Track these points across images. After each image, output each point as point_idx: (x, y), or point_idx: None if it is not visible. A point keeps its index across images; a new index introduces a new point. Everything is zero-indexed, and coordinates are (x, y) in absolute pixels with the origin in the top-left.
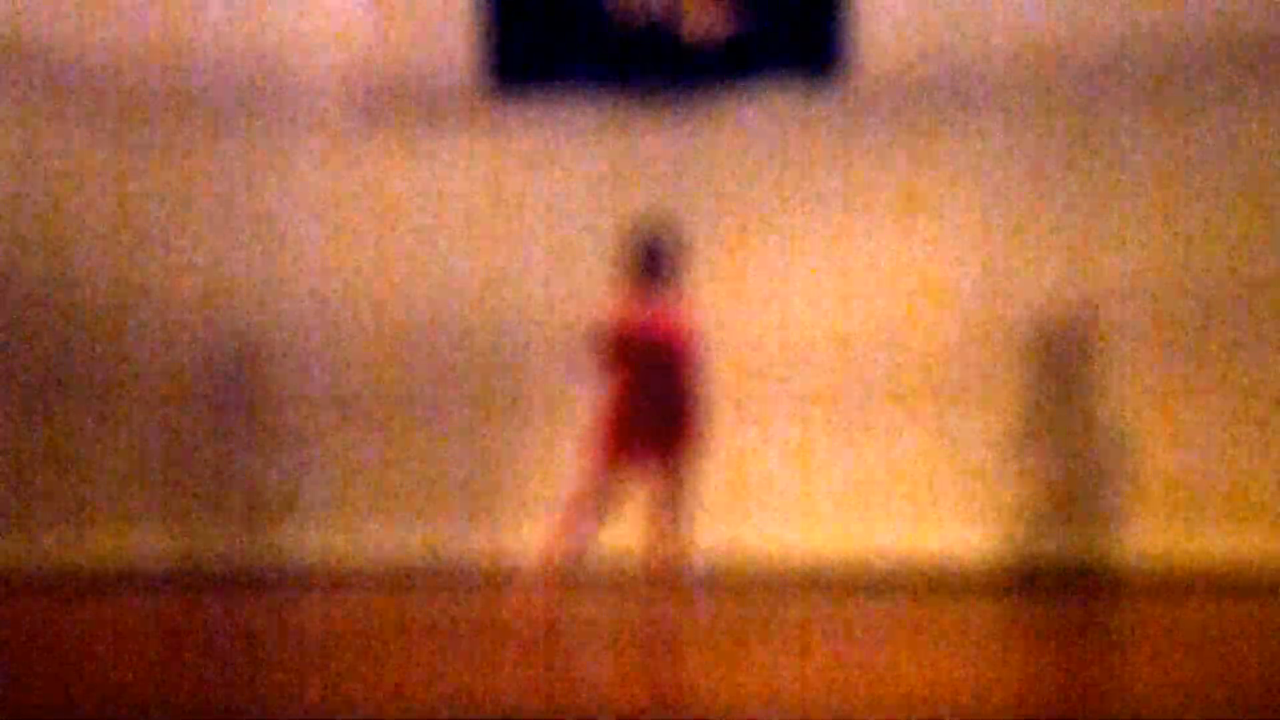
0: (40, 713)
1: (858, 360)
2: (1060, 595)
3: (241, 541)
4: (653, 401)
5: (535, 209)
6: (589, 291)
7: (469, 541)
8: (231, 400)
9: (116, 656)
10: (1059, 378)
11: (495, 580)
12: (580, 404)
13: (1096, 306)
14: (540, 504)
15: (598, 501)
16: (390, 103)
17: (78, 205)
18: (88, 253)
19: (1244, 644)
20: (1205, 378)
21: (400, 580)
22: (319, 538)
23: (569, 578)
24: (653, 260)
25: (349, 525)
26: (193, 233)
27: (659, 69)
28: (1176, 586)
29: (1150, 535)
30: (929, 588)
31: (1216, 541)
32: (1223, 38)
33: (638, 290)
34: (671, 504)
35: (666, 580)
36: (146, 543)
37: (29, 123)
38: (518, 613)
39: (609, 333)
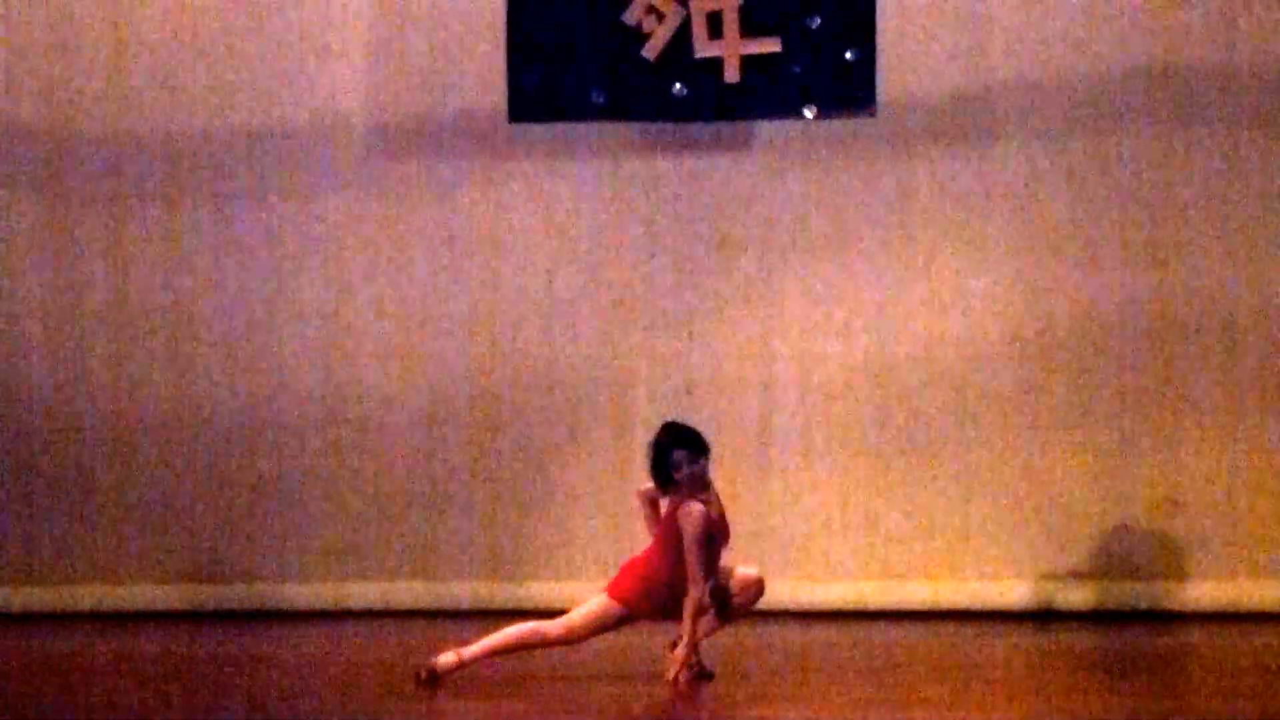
0: None
1: (886, 391)
2: (1104, 632)
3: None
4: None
5: (562, 244)
6: (624, 326)
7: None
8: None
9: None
10: (1097, 402)
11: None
12: (588, 446)
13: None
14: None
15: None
16: (411, 139)
17: (96, 269)
18: (104, 312)
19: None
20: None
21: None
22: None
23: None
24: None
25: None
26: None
27: (683, 99)
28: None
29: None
30: (962, 626)
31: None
32: (1229, 67)
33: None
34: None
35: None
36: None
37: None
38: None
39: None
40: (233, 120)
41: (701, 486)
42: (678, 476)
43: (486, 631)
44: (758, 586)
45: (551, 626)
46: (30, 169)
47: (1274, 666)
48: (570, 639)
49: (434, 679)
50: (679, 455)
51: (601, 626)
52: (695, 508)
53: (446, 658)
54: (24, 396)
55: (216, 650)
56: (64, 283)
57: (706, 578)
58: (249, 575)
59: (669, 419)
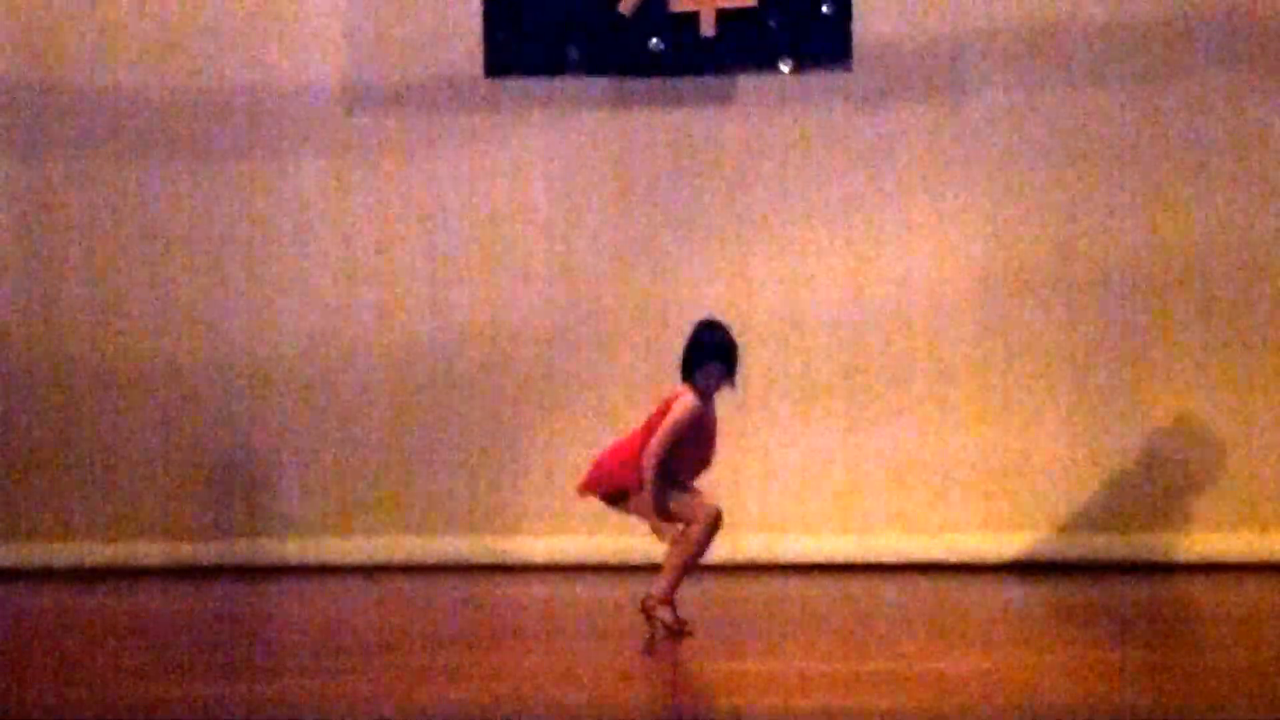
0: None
1: (861, 342)
2: (1081, 584)
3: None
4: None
5: (541, 199)
6: (601, 281)
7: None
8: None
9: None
10: (1071, 351)
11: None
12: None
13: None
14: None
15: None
16: (390, 96)
17: (74, 223)
18: (82, 270)
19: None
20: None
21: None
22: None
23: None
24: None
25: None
26: (193, 249)
27: (659, 54)
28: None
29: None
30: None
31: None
32: (1216, 22)
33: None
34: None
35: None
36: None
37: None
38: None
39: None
40: (209, 77)
41: (709, 398)
42: (702, 383)
43: (469, 585)
44: (717, 517)
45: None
46: (5, 123)
47: (1247, 617)
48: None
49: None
50: (715, 368)
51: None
52: (691, 399)
53: (664, 613)
54: (1, 351)
55: (197, 606)
56: (40, 239)
57: (658, 467)
58: (231, 532)
59: (718, 320)
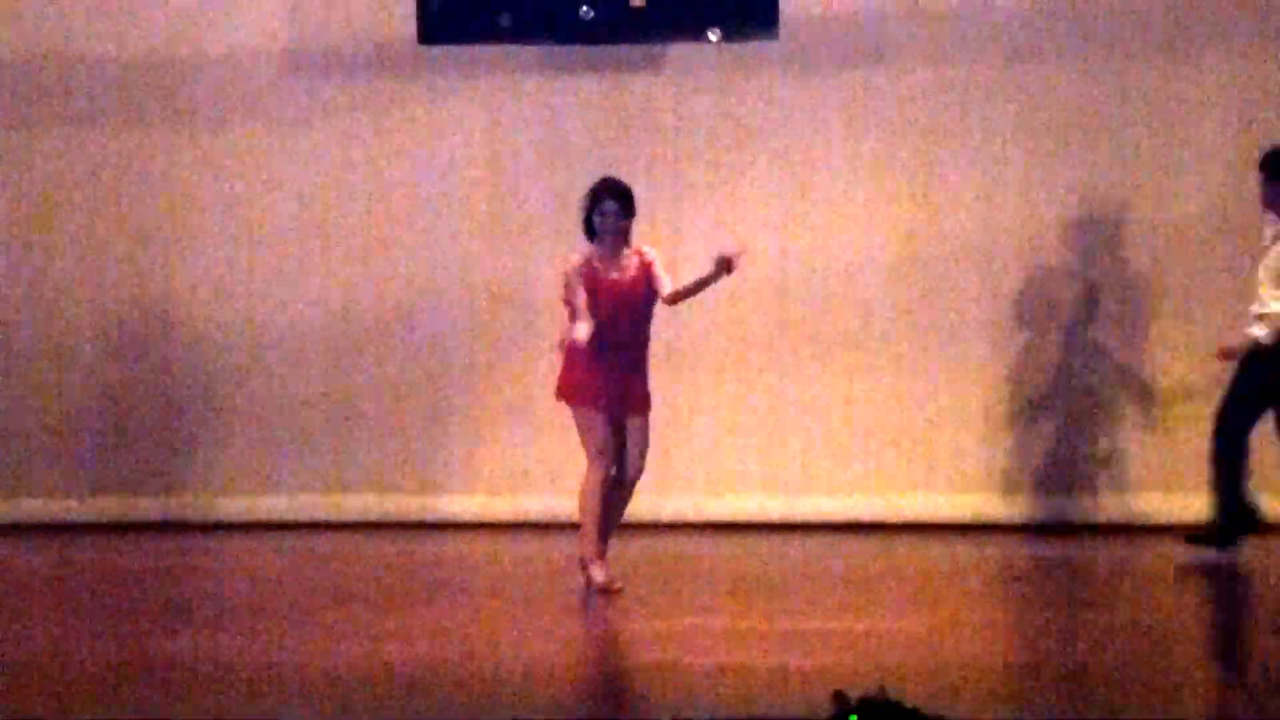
0: None
1: (787, 305)
2: (997, 542)
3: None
4: (616, 348)
5: (473, 163)
6: (533, 245)
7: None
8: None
9: None
10: (998, 315)
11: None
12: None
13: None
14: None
15: (601, 445)
16: (325, 62)
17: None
18: (18, 234)
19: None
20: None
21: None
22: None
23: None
24: (607, 211)
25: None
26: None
27: (589, 22)
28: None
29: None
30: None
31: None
32: None
33: (599, 241)
34: (635, 442)
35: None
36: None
37: None
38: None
39: (577, 283)
40: (153, 45)
41: (623, 242)
42: (601, 227)
43: (395, 542)
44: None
45: (589, 474)
46: None
47: (1157, 576)
48: (599, 465)
49: (605, 590)
50: (610, 205)
51: (587, 431)
52: (566, 260)
53: (595, 571)
54: None
55: (130, 562)
56: None
57: (573, 319)
58: (164, 489)
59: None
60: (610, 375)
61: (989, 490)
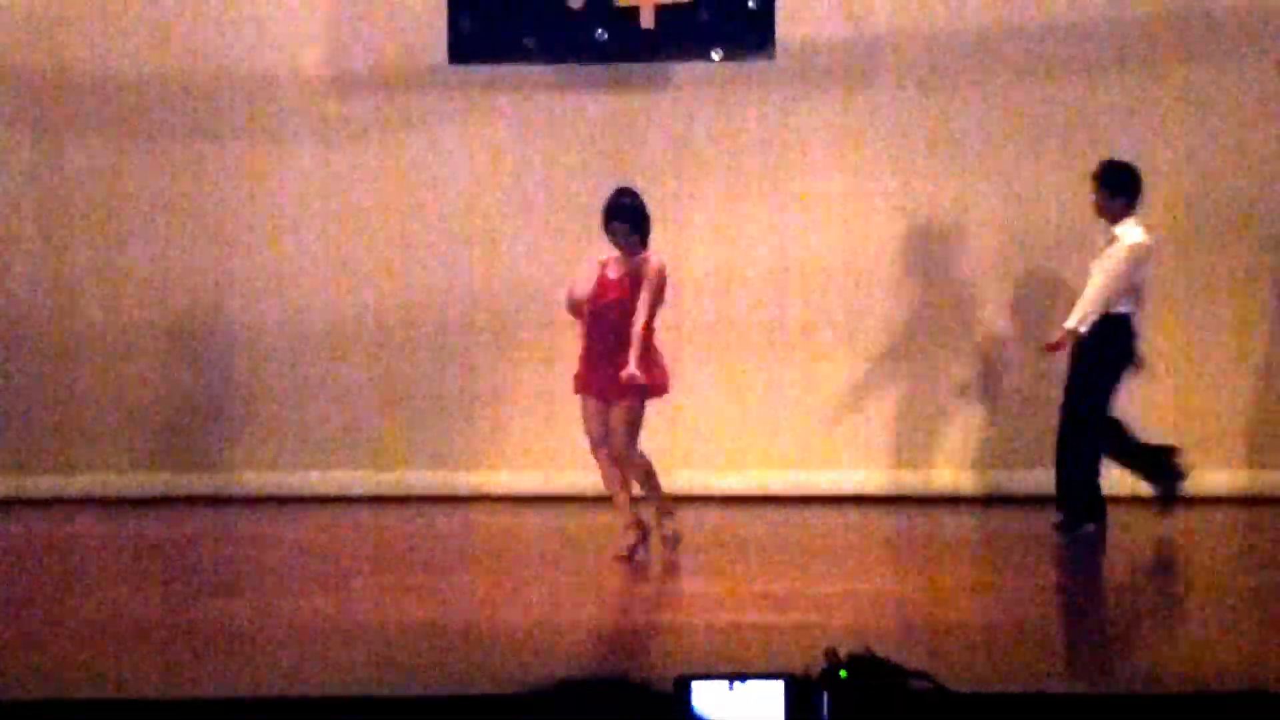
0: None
1: (787, 301)
2: (986, 513)
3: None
4: (595, 345)
5: (498, 174)
6: (552, 247)
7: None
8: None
9: None
10: (969, 316)
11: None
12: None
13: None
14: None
15: (591, 431)
16: (359, 79)
17: (77, 199)
18: (87, 240)
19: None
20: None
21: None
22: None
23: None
24: (613, 231)
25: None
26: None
27: (604, 43)
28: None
29: None
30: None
31: None
32: (1103, 19)
33: (614, 250)
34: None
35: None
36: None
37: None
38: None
39: (574, 291)
40: (193, 63)
41: (633, 252)
42: (613, 242)
43: (425, 514)
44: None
45: (612, 456)
46: (18, 103)
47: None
48: (621, 451)
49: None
50: (615, 226)
51: (584, 419)
52: (576, 278)
53: (627, 538)
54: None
55: (175, 532)
56: (49, 214)
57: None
58: (220, 466)
59: (626, 185)
60: (596, 365)
61: (959, 466)
